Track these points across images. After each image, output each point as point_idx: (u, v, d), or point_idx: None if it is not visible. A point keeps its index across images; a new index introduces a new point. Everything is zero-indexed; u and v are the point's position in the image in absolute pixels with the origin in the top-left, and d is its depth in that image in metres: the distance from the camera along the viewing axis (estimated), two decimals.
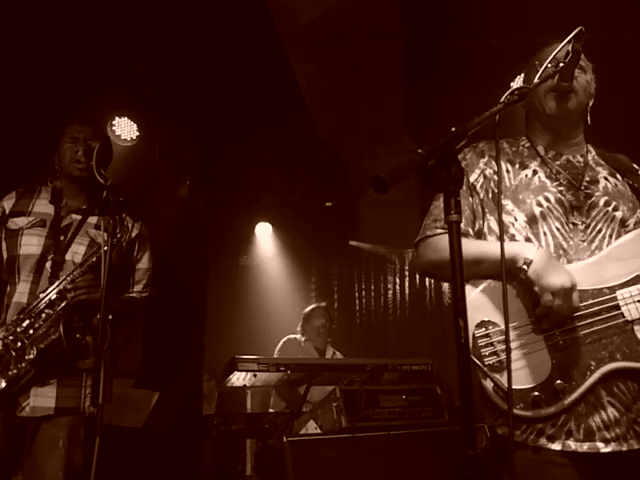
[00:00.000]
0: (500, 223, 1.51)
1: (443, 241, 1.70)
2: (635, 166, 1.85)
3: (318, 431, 3.17)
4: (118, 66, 4.15)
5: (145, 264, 2.61)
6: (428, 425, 2.93)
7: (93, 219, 2.46)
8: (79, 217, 2.44)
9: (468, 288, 1.64)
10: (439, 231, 1.73)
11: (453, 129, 1.12)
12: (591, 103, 1.84)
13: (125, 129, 4.50)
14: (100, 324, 1.89)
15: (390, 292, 6.57)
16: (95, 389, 1.83)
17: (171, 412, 4.13)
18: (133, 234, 2.56)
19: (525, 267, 1.54)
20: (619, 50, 4.04)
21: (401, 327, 6.43)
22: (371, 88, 4.66)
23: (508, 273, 1.55)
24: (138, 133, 4.56)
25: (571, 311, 1.52)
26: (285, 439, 2.77)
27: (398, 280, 6.50)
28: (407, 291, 6.48)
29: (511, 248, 1.59)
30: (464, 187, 1.75)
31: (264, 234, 6.53)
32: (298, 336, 4.61)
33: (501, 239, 1.35)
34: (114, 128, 4.48)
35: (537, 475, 1.54)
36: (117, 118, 4.48)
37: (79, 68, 3.94)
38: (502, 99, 1.32)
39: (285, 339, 4.58)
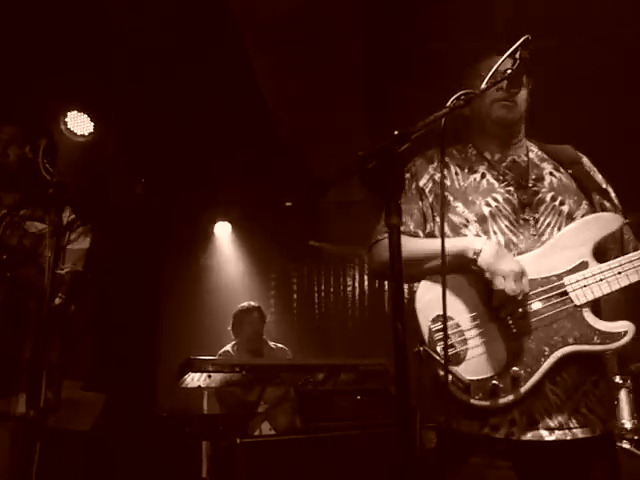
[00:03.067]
0: (442, 219, 1.56)
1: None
2: (579, 155, 1.90)
3: (272, 432, 3.17)
4: (72, 59, 4.04)
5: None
6: (382, 425, 2.96)
7: (27, 212, 2.46)
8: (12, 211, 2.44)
9: (427, 284, 1.68)
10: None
11: (396, 132, 1.13)
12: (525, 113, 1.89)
13: (79, 124, 4.38)
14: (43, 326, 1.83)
15: (350, 292, 6.58)
16: (36, 392, 1.77)
17: (123, 414, 4.05)
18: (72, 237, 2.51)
19: (475, 257, 1.59)
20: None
21: (361, 327, 6.45)
22: (333, 87, 4.66)
23: (460, 266, 1.64)
24: (92, 128, 4.44)
25: (523, 294, 1.56)
26: (238, 440, 2.76)
27: (358, 280, 6.52)
28: (367, 291, 6.51)
29: (460, 242, 1.66)
30: (414, 191, 1.82)
31: (223, 233, 6.46)
32: (229, 347, 4.46)
33: (442, 234, 1.38)
34: (67, 122, 4.35)
35: (477, 469, 1.57)
36: (70, 112, 4.36)
37: (32, 60, 3.82)
38: (448, 103, 1.34)
39: (221, 351, 4.42)
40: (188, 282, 6.10)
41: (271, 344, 4.57)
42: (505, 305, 1.58)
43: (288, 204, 6.32)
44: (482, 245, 1.59)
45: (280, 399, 3.11)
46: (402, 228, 1.74)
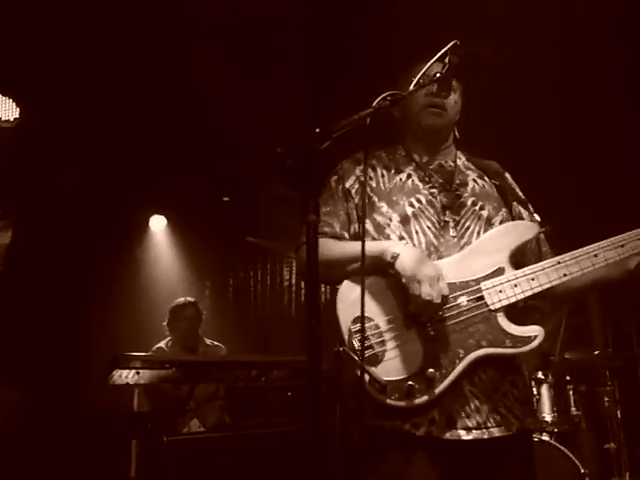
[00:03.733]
0: (362, 222, 1.56)
1: (320, 245, 1.74)
2: (503, 170, 1.99)
3: (202, 429, 3.13)
4: None
5: None
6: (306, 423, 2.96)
7: None
8: None
9: (349, 285, 1.70)
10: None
11: (317, 130, 1.13)
12: (457, 117, 1.95)
13: (3, 109, 4.17)
14: None
15: (286, 289, 6.58)
16: None
17: (48, 413, 3.90)
18: None
19: (392, 261, 1.61)
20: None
21: (297, 324, 6.46)
22: (274, 83, 4.63)
23: (379, 269, 1.66)
24: (18, 114, 4.24)
25: (439, 298, 1.59)
26: (165, 438, 2.71)
27: (295, 277, 6.52)
28: (303, 288, 6.52)
29: (380, 245, 1.69)
30: (340, 193, 1.84)
31: (158, 227, 6.32)
32: (163, 344, 4.39)
33: (362, 236, 1.39)
34: None
35: (396, 465, 1.60)
36: None
37: None
38: (374, 103, 1.36)
39: (155, 348, 4.34)
40: (121, 277, 5.94)
41: (207, 341, 4.52)
42: (421, 310, 1.61)
43: (225, 199, 6.25)
44: (400, 249, 1.62)
45: (210, 396, 3.07)
46: (328, 229, 1.78)
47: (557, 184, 5.27)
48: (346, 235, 1.79)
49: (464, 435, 1.59)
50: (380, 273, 1.68)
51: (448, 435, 1.59)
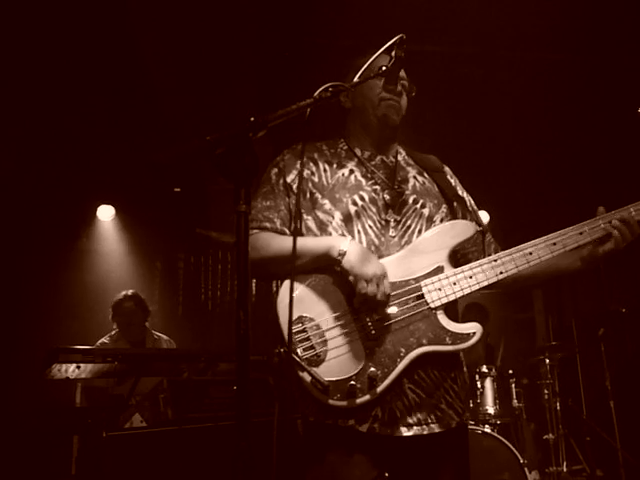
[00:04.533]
0: (296, 217, 1.54)
1: (260, 239, 1.74)
2: (443, 165, 2.00)
3: (144, 424, 3.06)
4: None
5: None
6: (257, 416, 2.94)
7: None
8: None
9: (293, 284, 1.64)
10: (254, 231, 1.75)
11: (252, 119, 1.10)
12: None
13: None
14: None
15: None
16: None
17: None
18: None
19: (340, 258, 1.60)
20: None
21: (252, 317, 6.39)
22: (223, 73, 4.55)
23: (322, 266, 1.65)
24: None
25: (384, 297, 1.60)
26: (104, 434, 2.64)
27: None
28: (255, 281, 6.47)
29: (326, 241, 1.67)
30: (281, 187, 1.80)
31: (106, 217, 6.13)
32: (107, 338, 4.27)
33: (294, 233, 1.37)
34: None
35: (336, 460, 1.60)
36: None
37: None
38: (315, 94, 1.34)
39: (99, 343, 4.22)
40: (65, 267, 5.76)
41: (155, 334, 4.42)
42: (366, 307, 1.61)
43: (176, 190, 6.13)
44: (347, 246, 1.61)
45: (153, 390, 3.00)
46: (269, 225, 1.75)
47: (506, 179, 5.41)
48: (287, 231, 1.76)
49: (405, 432, 1.61)
50: (321, 271, 1.67)
51: (389, 431, 1.60)
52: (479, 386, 4.30)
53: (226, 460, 2.90)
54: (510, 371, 4.47)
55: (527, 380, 4.73)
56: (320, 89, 1.37)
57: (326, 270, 1.66)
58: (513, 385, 4.48)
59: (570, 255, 1.79)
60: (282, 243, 1.70)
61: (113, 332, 4.32)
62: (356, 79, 1.58)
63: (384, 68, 1.65)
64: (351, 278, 1.59)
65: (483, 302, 5.44)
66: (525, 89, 4.55)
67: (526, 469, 3.74)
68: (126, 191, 5.99)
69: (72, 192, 5.65)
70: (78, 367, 3.18)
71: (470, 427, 3.94)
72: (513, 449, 3.78)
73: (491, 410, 4.23)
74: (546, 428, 4.52)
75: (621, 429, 4.35)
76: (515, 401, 4.44)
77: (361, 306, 1.62)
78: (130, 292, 4.43)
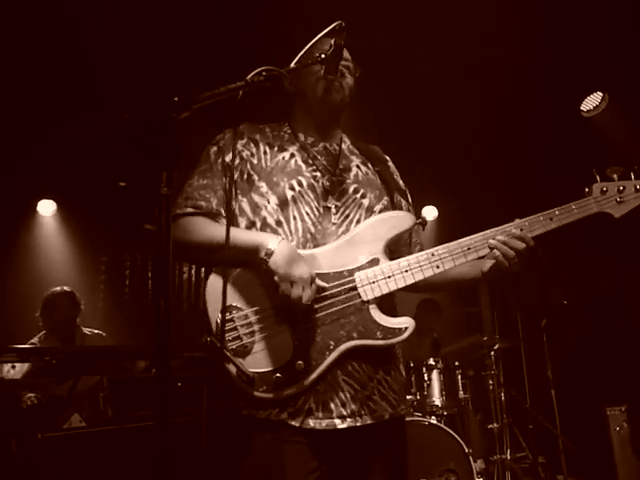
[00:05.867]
0: (228, 203, 1.50)
1: (194, 222, 1.69)
2: (386, 157, 1.99)
3: (83, 424, 2.96)
4: None
5: None
6: (201, 413, 2.89)
7: None
8: None
9: (220, 272, 1.62)
10: (189, 210, 1.71)
11: (175, 99, 1.06)
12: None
13: None
14: None
15: (185, 279, 6.40)
16: None
17: None
18: None
19: (266, 258, 1.55)
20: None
21: (196, 314, 6.30)
22: (165, 57, 4.41)
23: (252, 262, 1.60)
24: None
25: (309, 301, 1.55)
26: (40, 435, 2.54)
27: (194, 267, 6.34)
28: (202, 276, 6.37)
29: (255, 238, 1.61)
30: (219, 167, 1.74)
31: (47, 212, 5.91)
32: (36, 339, 4.10)
33: (227, 218, 1.33)
34: None
35: (273, 454, 1.57)
36: None
37: None
38: (247, 77, 1.30)
39: (28, 344, 4.05)
40: (6, 264, 5.52)
41: (85, 330, 4.26)
42: (290, 308, 1.57)
43: (122, 184, 5.95)
44: (275, 246, 1.56)
45: (92, 389, 2.91)
46: (204, 204, 1.70)
47: (455, 174, 5.49)
48: (222, 212, 1.71)
49: (339, 424, 1.59)
50: (251, 262, 1.62)
51: (324, 424, 1.58)
52: (426, 378, 4.36)
53: (171, 457, 2.83)
54: (456, 363, 4.55)
55: (473, 372, 4.83)
56: (253, 73, 1.33)
57: (253, 266, 1.62)
58: (459, 377, 4.56)
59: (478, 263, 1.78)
60: (214, 231, 1.65)
61: (41, 333, 4.16)
62: (293, 64, 1.55)
63: (323, 55, 1.63)
64: (276, 278, 1.55)
65: (437, 298, 5.52)
66: (475, 83, 4.62)
67: (471, 458, 3.81)
68: (68, 185, 5.79)
69: (10, 186, 5.42)
70: (13, 367, 3.05)
71: (417, 418, 4.01)
72: (458, 439, 3.85)
73: (438, 402, 4.30)
74: (491, 418, 4.63)
75: (561, 417, 4.49)
76: (461, 392, 4.53)
77: (286, 307, 1.58)
78: (65, 288, 4.28)
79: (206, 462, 1.58)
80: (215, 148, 1.77)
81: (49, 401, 3.43)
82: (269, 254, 1.55)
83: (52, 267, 5.87)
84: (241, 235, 1.63)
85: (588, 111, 5.14)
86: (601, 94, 5.02)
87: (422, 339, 5.16)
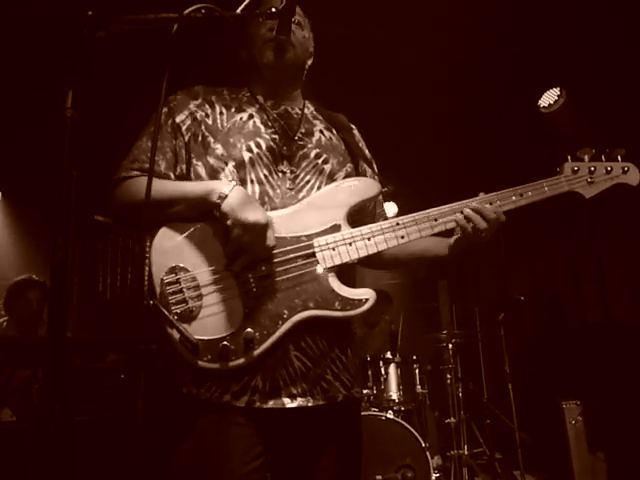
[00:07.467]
0: (151, 158, 1.35)
1: (139, 182, 1.57)
2: (351, 125, 1.89)
3: (13, 419, 2.76)
4: None
5: None
6: (144, 405, 2.72)
7: None
8: None
9: (167, 232, 1.51)
10: (135, 173, 1.59)
11: (89, 13, 0.92)
12: (310, 62, 1.84)
13: None
14: None
15: (147, 272, 6.16)
16: None
17: None
18: None
19: (219, 201, 1.44)
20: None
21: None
22: None
23: (204, 212, 1.48)
24: None
25: (263, 250, 1.45)
26: None
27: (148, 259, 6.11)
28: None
29: (207, 185, 1.50)
30: (169, 128, 1.63)
31: None
32: None
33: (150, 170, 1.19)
34: None
35: (215, 438, 1.43)
36: None
37: None
38: (184, 12, 1.17)
39: None
40: None
41: None
42: (239, 257, 1.46)
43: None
44: (229, 190, 1.45)
45: (26, 381, 2.71)
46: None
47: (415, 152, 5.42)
48: (171, 175, 1.60)
49: (288, 403, 1.46)
50: (203, 220, 1.50)
51: (271, 404, 1.45)
52: (383, 372, 4.28)
53: (106, 454, 2.66)
54: (414, 357, 4.47)
55: (431, 367, 4.77)
56: (191, 8, 1.20)
57: (209, 219, 1.49)
58: (417, 371, 4.49)
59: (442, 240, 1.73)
60: (161, 187, 1.51)
61: (3, 319, 3.88)
62: (239, 10, 1.40)
63: (274, 9, 1.51)
64: (229, 222, 1.42)
65: (392, 293, 5.47)
66: (432, 78, 4.57)
67: (428, 453, 3.74)
68: (14, 174, 5.51)
69: None
70: None
71: (373, 413, 3.91)
72: (415, 434, 3.77)
73: (395, 396, 4.22)
74: (448, 412, 4.58)
75: (518, 410, 4.47)
76: (419, 387, 4.46)
77: (233, 255, 1.46)
78: (35, 277, 3.97)
79: (143, 448, 1.43)
80: (166, 109, 1.65)
81: None
82: (222, 197, 1.43)
83: None
84: (192, 185, 1.53)
85: (546, 107, 5.15)
86: (558, 90, 5.05)
87: (372, 331, 5.09)
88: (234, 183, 1.48)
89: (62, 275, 0.77)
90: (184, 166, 1.61)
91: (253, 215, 1.42)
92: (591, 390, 4.43)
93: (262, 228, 1.42)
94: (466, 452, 4.38)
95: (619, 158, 1.76)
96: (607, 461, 4.11)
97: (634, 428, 4.02)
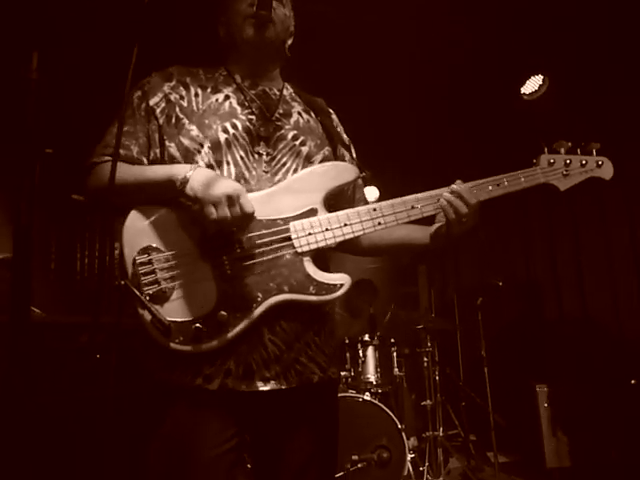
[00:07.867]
0: (117, 139, 1.33)
1: (106, 169, 1.53)
2: (330, 110, 1.88)
3: None
4: None
5: None
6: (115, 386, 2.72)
7: None
8: None
9: (138, 213, 1.49)
10: (106, 159, 1.57)
11: None
12: (290, 41, 1.80)
13: None
14: None
15: (117, 254, 6.09)
16: None
17: None
18: None
19: (182, 187, 1.42)
20: None
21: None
22: None
23: (172, 199, 1.47)
24: None
25: (241, 219, 1.41)
26: None
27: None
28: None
29: (168, 170, 1.48)
30: (143, 112, 1.60)
31: None
32: None
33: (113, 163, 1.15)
34: None
35: (188, 421, 1.43)
36: None
37: None
38: None
39: None
40: None
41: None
42: (215, 238, 1.45)
43: (48, 151, 5.59)
44: (189, 173, 1.42)
45: None
46: (123, 152, 1.54)
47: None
48: (144, 160, 1.57)
49: (262, 386, 1.46)
50: (170, 204, 1.49)
51: (244, 387, 1.45)
52: (361, 355, 4.31)
53: (81, 433, 2.64)
54: (392, 340, 4.51)
55: (408, 350, 4.82)
56: None
57: (174, 203, 1.48)
58: (395, 354, 4.53)
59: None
60: (130, 171, 1.50)
61: None
62: None
63: None
64: (197, 207, 1.40)
65: (372, 278, 5.49)
66: (414, 65, 4.55)
67: (404, 434, 3.79)
68: None
69: None
70: None
71: (350, 395, 3.95)
72: (392, 415, 3.82)
73: (372, 378, 4.26)
74: (425, 395, 4.64)
75: (493, 394, 4.54)
76: (396, 370, 4.50)
77: (215, 234, 1.44)
78: (7, 255, 3.87)
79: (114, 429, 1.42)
80: (139, 92, 1.62)
81: None
82: (184, 182, 1.41)
83: None
84: (154, 170, 1.50)
85: (528, 94, 5.17)
86: (542, 77, 5.06)
87: (356, 320, 5.11)
88: (195, 165, 1.46)
89: (26, 242, 0.76)
90: (158, 150, 1.58)
91: (220, 189, 1.39)
92: (559, 376, 4.54)
93: (232, 199, 1.39)
94: (441, 434, 4.45)
95: (594, 152, 1.79)
96: (569, 443, 4.21)
97: (595, 413, 4.13)
